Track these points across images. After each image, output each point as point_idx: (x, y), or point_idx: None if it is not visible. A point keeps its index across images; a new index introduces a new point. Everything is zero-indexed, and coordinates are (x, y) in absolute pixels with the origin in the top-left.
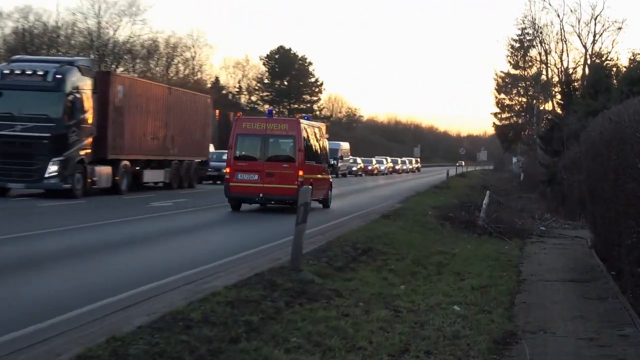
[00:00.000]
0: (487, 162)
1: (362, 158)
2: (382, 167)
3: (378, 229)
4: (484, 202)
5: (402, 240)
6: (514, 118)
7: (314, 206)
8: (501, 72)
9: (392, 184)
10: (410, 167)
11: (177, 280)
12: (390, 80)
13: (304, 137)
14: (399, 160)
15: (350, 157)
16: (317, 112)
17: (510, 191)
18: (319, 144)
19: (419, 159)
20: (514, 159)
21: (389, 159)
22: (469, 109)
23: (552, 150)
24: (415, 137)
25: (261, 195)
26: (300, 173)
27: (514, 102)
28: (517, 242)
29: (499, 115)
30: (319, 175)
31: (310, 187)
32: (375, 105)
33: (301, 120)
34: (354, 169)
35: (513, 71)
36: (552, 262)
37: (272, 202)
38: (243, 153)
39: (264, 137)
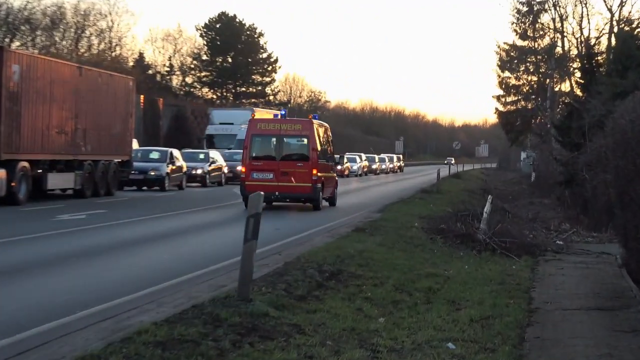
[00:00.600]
0: (489, 159)
1: None
2: (355, 167)
3: (350, 246)
4: (485, 210)
5: (381, 260)
6: (522, 102)
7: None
8: (505, 44)
9: (368, 188)
10: (391, 166)
11: (93, 314)
12: (365, 62)
13: (316, 137)
14: (377, 157)
15: None
16: (271, 97)
17: (519, 195)
18: (328, 143)
19: (401, 156)
20: (523, 155)
21: (364, 156)
22: (464, 93)
23: (570, 143)
24: (397, 129)
25: (277, 193)
26: (314, 171)
27: (521, 82)
28: (528, 260)
29: (503, 99)
30: (328, 174)
31: (263, 193)
32: (346, 91)
33: (314, 121)
34: None
35: (520, 42)
36: (572, 285)
37: (287, 200)
38: (258, 153)
39: (278, 137)
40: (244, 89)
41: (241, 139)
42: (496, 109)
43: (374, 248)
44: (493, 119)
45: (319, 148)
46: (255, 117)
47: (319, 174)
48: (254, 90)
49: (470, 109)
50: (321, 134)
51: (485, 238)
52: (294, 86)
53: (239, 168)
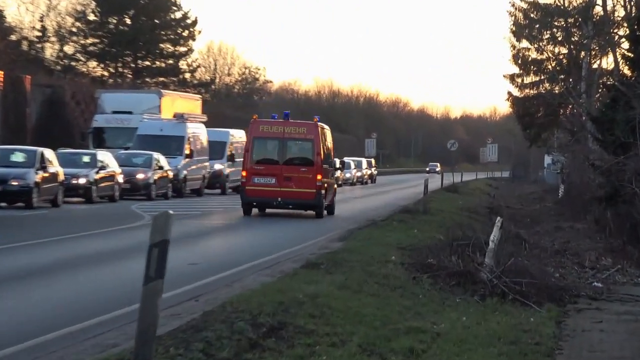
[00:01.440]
0: (499, 165)
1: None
2: None
3: (297, 289)
4: (492, 238)
5: (342, 308)
6: (546, 84)
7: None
8: (523, 1)
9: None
10: (359, 174)
11: None
12: (324, 33)
13: (321, 141)
14: (336, 162)
15: None
16: (187, 74)
17: (541, 217)
18: (330, 147)
19: (373, 161)
20: (547, 159)
21: None
22: (462, 73)
23: (614, 143)
24: (368, 121)
25: (279, 199)
26: (319, 177)
27: (545, 56)
28: (552, 310)
29: (519, 80)
30: (330, 180)
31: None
32: (295, 70)
33: (319, 123)
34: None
35: None
36: (614, 346)
37: (290, 207)
38: (260, 156)
39: (281, 140)
40: (147, 62)
41: (145, 135)
42: (509, 94)
43: (331, 291)
44: (504, 108)
45: (324, 152)
46: (256, 119)
47: (323, 179)
48: (163, 64)
49: (471, 95)
50: (325, 138)
51: (491, 278)
52: (220, 60)
53: (141, 176)
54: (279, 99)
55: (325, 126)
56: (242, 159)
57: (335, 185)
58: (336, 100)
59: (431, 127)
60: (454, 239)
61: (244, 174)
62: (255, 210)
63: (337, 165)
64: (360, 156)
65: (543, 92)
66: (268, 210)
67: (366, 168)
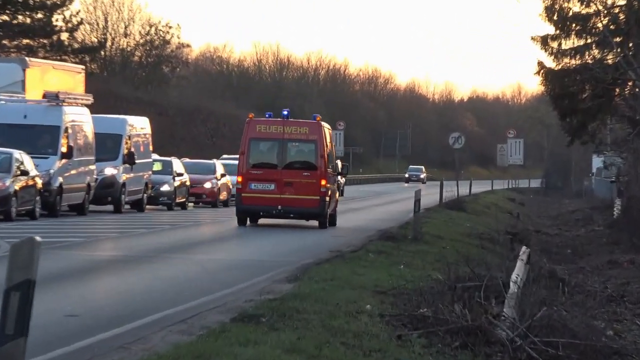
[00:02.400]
0: (526, 169)
1: (192, 161)
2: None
3: (227, 353)
4: (515, 277)
5: None
6: (595, 50)
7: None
8: None
9: (269, 228)
10: None
11: None
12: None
13: (325, 142)
14: (339, 164)
15: (157, 157)
16: (64, 34)
17: (588, 246)
18: (333, 149)
19: (339, 163)
20: (597, 162)
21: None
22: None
23: None
24: (330, 104)
25: (279, 207)
26: (323, 182)
27: (592, 10)
28: None
29: (555, 44)
30: (333, 186)
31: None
32: (223, 30)
33: (322, 123)
34: (166, 188)
35: None
36: None
37: (292, 215)
38: (258, 160)
39: (281, 141)
40: (5, 17)
41: (1, 125)
42: (540, 65)
43: (277, 358)
44: (533, 86)
45: (327, 155)
46: (253, 118)
47: (327, 185)
48: (28, 19)
49: (485, 68)
50: (328, 138)
51: (513, 337)
52: (114, 13)
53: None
54: (200, 71)
55: (327, 125)
56: (145, 160)
57: (337, 193)
58: (285, 74)
59: (425, 114)
60: (458, 280)
61: (239, 179)
62: (231, 225)
63: (340, 169)
64: None
65: (590, 62)
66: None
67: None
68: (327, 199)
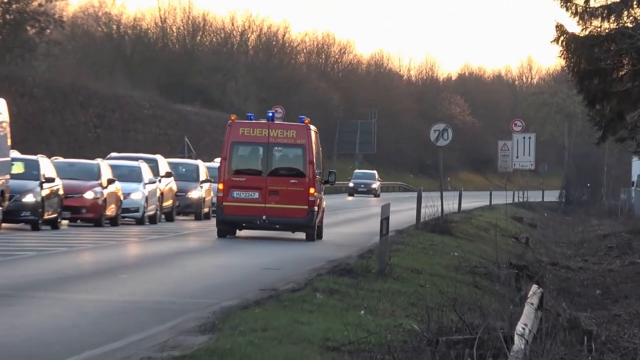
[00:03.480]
0: (537, 176)
1: (68, 161)
2: (138, 198)
3: None
4: (522, 328)
5: None
6: (635, 9)
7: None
8: None
9: (177, 256)
10: None
11: None
12: None
13: (313, 146)
14: (200, 168)
15: (17, 154)
16: None
17: (624, 285)
18: (320, 154)
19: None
20: (638, 166)
21: (164, 165)
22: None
23: None
24: (262, 81)
25: (264, 217)
26: (312, 191)
27: None
28: None
29: (579, 3)
30: (320, 195)
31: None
32: None
33: (311, 126)
34: (30, 199)
35: None
36: None
37: (277, 227)
38: (241, 166)
39: (266, 146)
40: None
41: None
42: (559, 29)
43: None
44: (549, 60)
45: (316, 161)
46: (235, 120)
47: (316, 194)
48: None
49: (481, 35)
50: (315, 142)
51: None
52: None
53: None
54: (80, 34)
55: (314, 127)
56: (3, 159)
57: (324, 202)
58: (201, 39)
59: (397, 97)
60: (442, 332)
61: (220, 186)
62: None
63: (329, 178)
64: None
65: (629, 26)
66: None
67: None
68: (316, 208)
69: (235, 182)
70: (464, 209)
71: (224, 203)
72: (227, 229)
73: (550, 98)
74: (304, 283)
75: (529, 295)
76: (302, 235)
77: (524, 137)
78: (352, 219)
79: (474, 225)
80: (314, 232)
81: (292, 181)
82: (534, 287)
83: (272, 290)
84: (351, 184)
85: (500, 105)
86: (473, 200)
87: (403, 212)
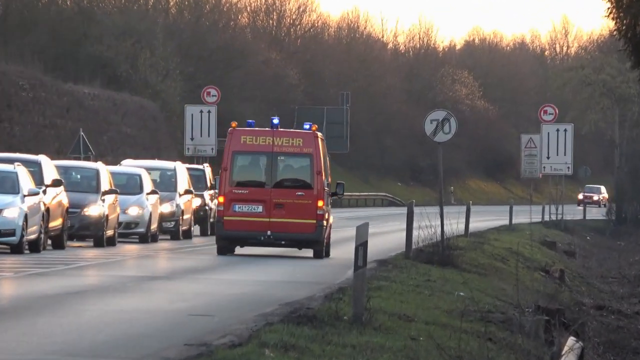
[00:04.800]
0: (574, 182)
1: None
2: (13, 217)
3: None
4: None
5: None
6: None
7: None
8: None
9: (51, 305)
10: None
11: None
12: None
13: (321, 155)
14: (101, 173)
15: None
16: None
17: None
18: (328, 163)
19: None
20: None
21: (50, 169)
22: None
23: None
24: (187, 50)
25: (268, 233)
26: (320, 204)
27: None
28: None
29: None
30: (328, 208)
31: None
32: None
33: (318, 133)
34: None
35: None
36: None
37: (283, 243)
38: (243, 177)
39: (270, 155)
40: None
41: None
42: None
43: None
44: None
45: (324, 171)
46: (236, 127)
47: (324, 207)
48: None
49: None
50: (322, 151)
51: None
52: None
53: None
54: None
55: (321, 135)
56: None
57: (332, 217)
58: None
59: (380, 73)
60: None
61: (221, 199)
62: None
63: (337, 189)
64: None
65: None
66: None
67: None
68: (325, 223)
69: (237, 195)
70: (473, 230)
71: (224, 217)
72: (227, 245)
73: (593, 75)
74: (248, 335)
75: (564, 352)
76: (266, 264)
77: (557, 130)
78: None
79: (488, 253)
80: (322, 249)
81: (299, 193)
82: (571, 340)
83: (203, 346)
84: None
85: (523, 85)
86: (486, 218)
87: (388, 234)
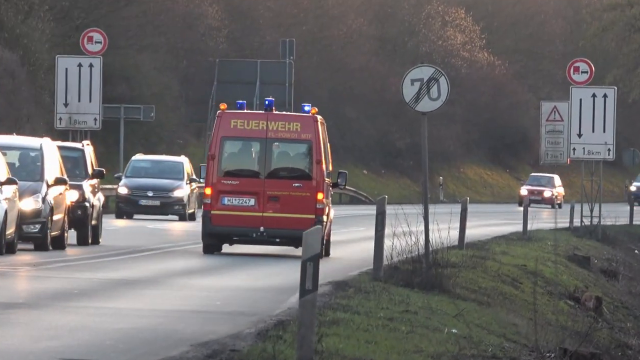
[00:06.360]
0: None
1: None
2: None
3: None
4: None
5: None
6: None
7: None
8: None
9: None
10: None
11: None
12: None
13: (321, 142)
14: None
15: None
16: None
17: None
18: (329, 151)
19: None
20: None
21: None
22: None
23: None
24: None
25: (261, 229)
26: (320, 196)
27: None
28: None
29: None
30: (329, 200)
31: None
32: None
33: (318, 117)
34: None
35: None
36: None
37: (277, 241)
38: (233, 166)
39: (264, 141)
40: None
41: None
42: None
43: None
44: None
45: (325, 160)
46: (225, 110)
47: (324, 200)
48: None
49: None
50: (323, 136)
51: None
52: None
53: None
54: None
55: (321, 119)
56: None
57: (332, 211)
58: None
59: (336, 10)
60: None
61: (208, 191)
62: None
63: (339, 180)
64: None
65: None
66: None
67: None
68: (325, 218)
69: (226, 186)
70: (471, 239)
71: (212, 212)
72: (215, 243)
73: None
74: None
75: None
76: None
77: (593, 96)
78: (255, 253)
79: (492, 272)
80: (322, 248)
81: (296, 185)
82: None
83: None
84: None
85: (545, 31)
86: (490, 222)
87: (348, 244)
